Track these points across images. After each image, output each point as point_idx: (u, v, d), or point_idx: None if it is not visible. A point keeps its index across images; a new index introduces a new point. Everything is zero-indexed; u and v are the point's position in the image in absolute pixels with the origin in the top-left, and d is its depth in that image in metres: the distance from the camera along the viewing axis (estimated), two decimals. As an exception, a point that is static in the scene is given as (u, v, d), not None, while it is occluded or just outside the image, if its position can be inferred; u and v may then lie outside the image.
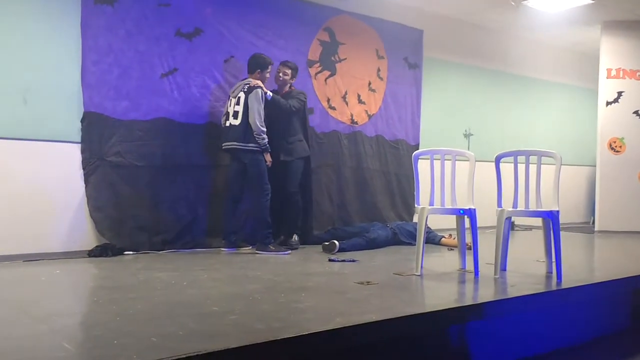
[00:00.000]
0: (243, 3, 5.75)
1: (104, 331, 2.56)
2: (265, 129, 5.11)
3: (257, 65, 5.27)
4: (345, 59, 6.58)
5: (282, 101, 5.40)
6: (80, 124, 4.87)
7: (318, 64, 6.36)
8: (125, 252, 4.92)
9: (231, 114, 5.20)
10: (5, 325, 2.68)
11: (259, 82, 5.18)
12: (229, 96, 5.33)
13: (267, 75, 5.33)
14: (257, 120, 5.07)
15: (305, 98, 5.66)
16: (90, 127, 4.90)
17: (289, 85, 5.62)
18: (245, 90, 5.15)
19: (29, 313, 2.93)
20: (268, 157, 5.18)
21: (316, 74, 6.35)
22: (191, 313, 2.91)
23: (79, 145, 4.88)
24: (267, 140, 5.12)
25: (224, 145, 5.23)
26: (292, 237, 5.54)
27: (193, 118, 5.43)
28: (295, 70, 5.62)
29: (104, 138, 4.96)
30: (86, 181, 4.90)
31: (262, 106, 5.12)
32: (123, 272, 4.15)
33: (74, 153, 4.86)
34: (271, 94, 5.30)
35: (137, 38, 5.11)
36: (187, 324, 2.66)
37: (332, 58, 6.49)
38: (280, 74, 5.54)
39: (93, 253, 4.77)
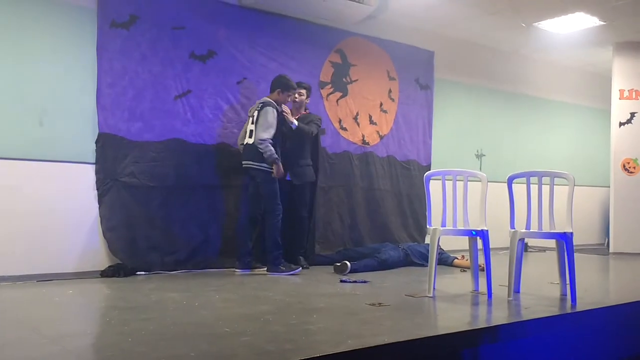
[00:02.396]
0: (255, 26, 5.84)
1: (116, 352, 2.57)
2: (267, 137, 5.04)
3: (277, 85, 5.32)
4: (357, 80, 6.63)
5: (305, 128, 5.48)
6: (95, 145, 4.94)
7: (330, 85, 6.42)
8: (138, 273, 4.94)
9: (247, 133, 5.25)
10: (19, 346, 2.70)
11: (287, 110, 5.28)
12: (248, 115, 5.40)
13: (289, 98, 5.37)
14: (259, 131, 5.07)
15: (321, 123, 5.79)
16: (105, 148, 4.96)
17: (304, 106, 5.68)
18: (259, 108, 5.19)
19: (42, 333, 2.94)
20: (277, 169, 5.08)
21: (328, 95, 6.40)
22: (203, 334, 2.91)
23: (94, 166, 4.94)
24: (271, 149, 5.04)
25: (242, 164, 5.26)
26: (299, 259, 5.54)
27: (206, 139, 5.48)
28: (309, 90, 5.71)
29: (118, 159, 5.02)
30: (100, 201, 4.94)
31: (275, 124, 5.11)
32: (135, 293, 4.16)
33: (88, 174, 4.91)
34: (296, 123, 5.36)
35: (151, 60, 5.20)
36: (198, 345, 2.66)
37: (344, 79, 6.54)
38: (296, 95, 5.58)
39: (106, 273, 4.80)
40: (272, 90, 5.35)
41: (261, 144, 5.04)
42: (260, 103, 5.22)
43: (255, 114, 5.20)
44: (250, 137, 5.20)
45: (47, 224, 4.73)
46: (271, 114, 5.10)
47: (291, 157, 5.49)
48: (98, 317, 3.64)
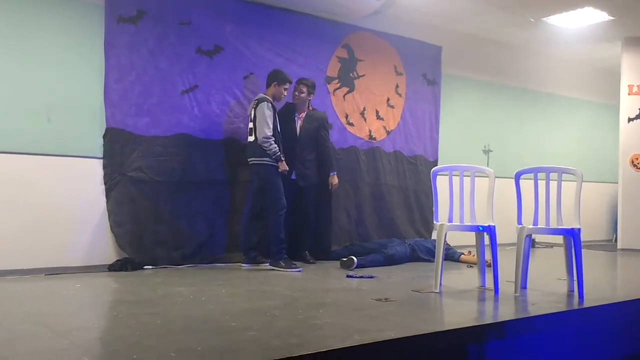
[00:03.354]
0: (262, 21, 5.83)
1: (124, 346, 2.58)
2: (270, 134, 5.05)
3: (273, 78, 5.32)
4: (364, 75, 6.62)
5: (329, 156, 5.68)
6: (102, 140, 4.96)
7: (337, 80, 6.40)
8: (145, 267, 4.96)
9: (248, 131, 5.27)
10: (27, 339, 2.72)
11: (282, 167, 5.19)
12: (248, 114, 5.40)
13: (284, 91, 5.35)
14: (260, 128, 5.06)
15: (326, 121, 5.82)
16: (112, 143, 4.98)
17: (307, 103, 5.67)
18: (255, 106, 5.19)
19: (50, 327, 2.96)
20: (282, 166, 5.14)
21: (335, 90, 6.39)
22: (209, 328, 2.92)
23: (101, 160, 4.96)
24: (276, 147, 5.08)
25: (248, 161, 5.27)
26: (305, 254, 5.59)
27: (212, 134, 5.49)
28: (311, 87, 5.67)
29: (125, 154, 5.03)
30: (107, 196, 4.97)
31: (271, 119, 5.09)
32: (142, 287, 4.18)
33: (95, 168, 4.94)
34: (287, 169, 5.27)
35: (158, 56, 5.21)
36: (205, 340, 2.67)
37: (351, 74, 6.52)
38: (296, 92, 5.59)
39: (113, 267, 4.83)
40: (268, 85, 5.35)
41: (265, 142, 5.05)
42: (256, 100, 5.23)
43: (252, 112, 5.20)
44: (251, 134, 5.20)
45: (55, 218, 4.75)
46: (267, 110, 5.09)
47: (299, 159, 5.53)
48: (105, 311, 3.66)
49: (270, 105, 5.14)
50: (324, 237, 5.87)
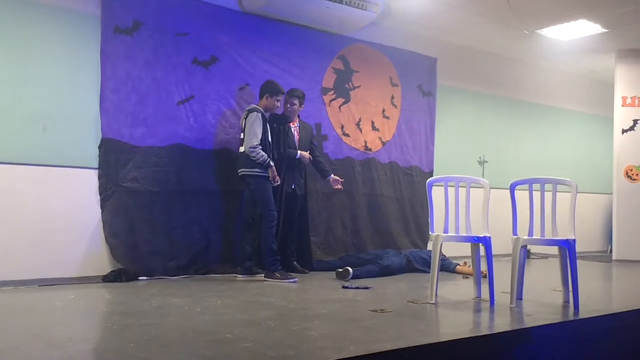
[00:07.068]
0: (258, 32, 5.86)
1: (118, 357, 2.56)
2: (257, 144, 5.03)
3: (265, 90, 5.31)
4: (359, 86, 6.64)
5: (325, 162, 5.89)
6: (98, 150, 4.95)
7: (332, 91, 6.43)
8: (140, 278, 4.94)
9: (240, 142, 5.27)
10: (20, 351, 2.69)
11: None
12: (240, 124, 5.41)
13: (277, 102, 5.35)
14: (248, 138, 5.06)
15: (312, 131, 5.95)
16: (108, 153, 4.98)
17: (296, 114, 5.68)
18: (246, 116, 5.20)
19: (44, 338, 2.94)
20: (272, 172, 5.10)
21: (330, 101, 6.41)
22: (204, 340, 2.91)
23: (96, 171, 4.95)
24: (263, 154, 5.05)
25: (238, 172, 5.27)
26: (294, 265, 5.60)
27: (208, 144, 5.50)
28: (302, 98, 5.64)
29: (120, 164, 5.03)
30: (102, 207, 4.95)
31: (260, 129, 5.09)
32: (137, 298, 4.15)
33: (91, 179, 4.93)
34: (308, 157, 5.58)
35: (154, 66, 5.22)
36: (200, 351, 2.66)
37: (347, 86, 6.55)
38: (288, 105, 5.57)
39: (107, 278, 4.80)
40: (260, 96, 5.35)
41: (252, 151, 5.04)
42: (247, 111, 5.23)
43: (243, 122, 5.21)
44: (242, 145, 5.20)
45: (49, 229, 4.73)
46: (256, 120, 5.09)
47: (297, 168, 5.58)
48: (99, 322, 3.64)
49: (260, 115, 5.14)
50: (306, 246, 5.88)
